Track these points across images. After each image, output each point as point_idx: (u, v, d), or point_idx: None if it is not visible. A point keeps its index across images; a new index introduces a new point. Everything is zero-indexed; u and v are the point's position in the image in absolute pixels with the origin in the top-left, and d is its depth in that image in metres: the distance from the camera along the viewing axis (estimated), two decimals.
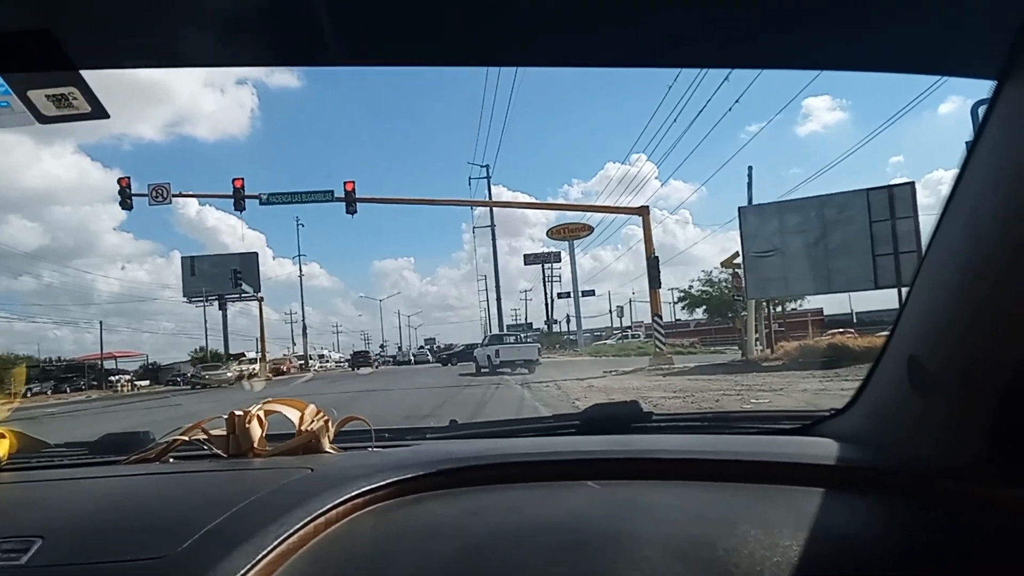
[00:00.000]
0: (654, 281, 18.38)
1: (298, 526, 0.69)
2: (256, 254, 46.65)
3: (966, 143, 0.67)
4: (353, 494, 0.77)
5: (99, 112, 0.73)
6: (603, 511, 0.72)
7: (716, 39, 0.62)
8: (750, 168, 17.62)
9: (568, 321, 54.79)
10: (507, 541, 0.67)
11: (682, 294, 27.72)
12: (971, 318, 0.66)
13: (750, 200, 16.68)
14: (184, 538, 0.65)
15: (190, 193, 20.76)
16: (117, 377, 34.84)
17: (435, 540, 0.69)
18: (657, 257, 18.47)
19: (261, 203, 18.54)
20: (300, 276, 51.21)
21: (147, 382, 34.78)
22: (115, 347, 40.58)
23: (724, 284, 25.18)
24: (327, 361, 53.26)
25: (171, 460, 1.10)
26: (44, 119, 0.74)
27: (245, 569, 0.62)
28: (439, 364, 30.22)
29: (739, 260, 15.53)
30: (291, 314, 52.58)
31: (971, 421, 0.68)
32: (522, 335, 25.08)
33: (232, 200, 18.47)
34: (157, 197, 18.08)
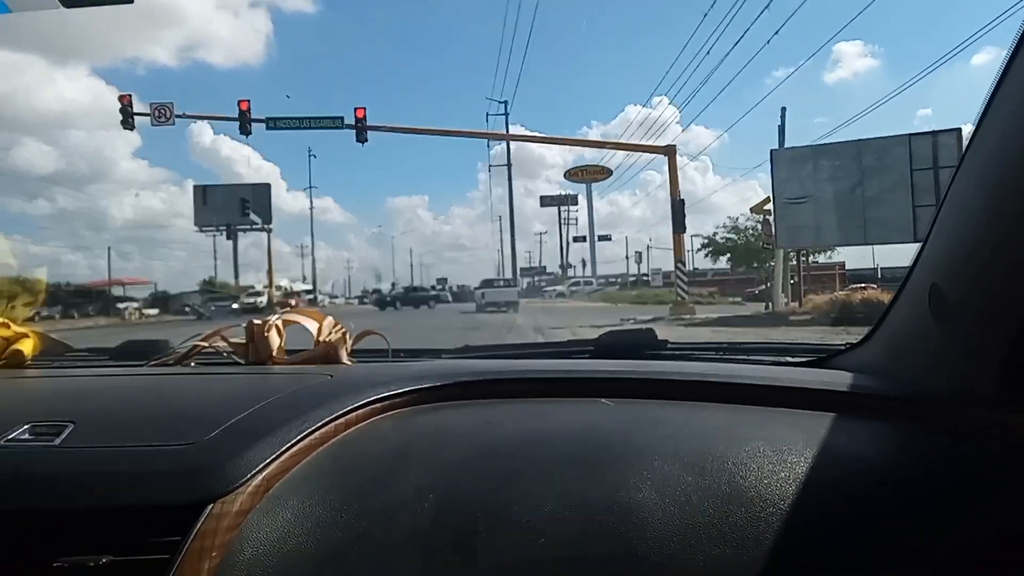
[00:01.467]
0: (678, 225, 18.13)
1: (319, 424, 0.74)
2: (268, 185, 47.18)
3: (1000, 67, 0.65)
4: (372, 399, 0.81)
5: None
6: (615, 425, 0.76)
7: None
8: (783, 109, 17.24)
9: (584, 265, 54.75)
10: (521, 447, 0.72)
11: (705, 241, 27.68)
12: (994, 247, 0.67)
13: (782, 143, 16.25)
14: (210, 429, 0.70)
15: (194, 114, 20.57)
16: (125, 304, 35.62)
17: (451, 444, 0.73)
18: (683, 200, 18.23)
19: (268, 127, 18.39)
20: (311, 208, 53.34)
21: (156, 311, 35.59)
22: (127, 274, 42.46)
23: (751, 232, 24.69)
24: (336, 297, 54.06)
25: (192, 365, 1.16)
26: (69, 2, 0.77)
27: (270, 459, 0.67)
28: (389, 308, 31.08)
29: (770, 206, 15.11)
30: (302, 247, 53.59)
31: (990, 350, 0.69)
32: (506, 280, 32.48)
33: (238, 124, 18.16)
34: (160, 117, 17.97)
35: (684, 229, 18.35)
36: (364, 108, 17.88)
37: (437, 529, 0.62)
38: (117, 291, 38.69)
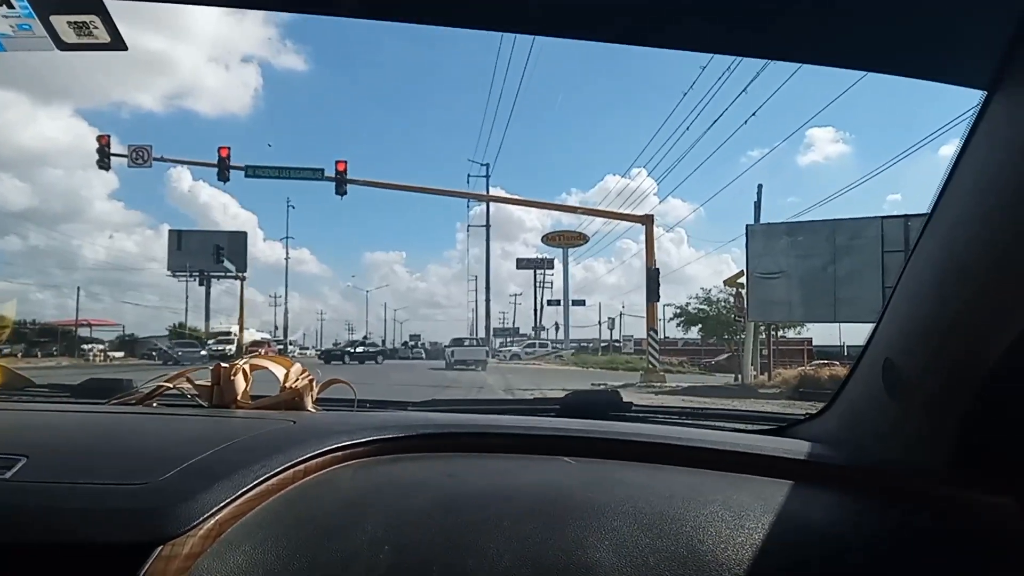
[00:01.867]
0: (652, 294, 18.46)
1: (278, 470, 0.74)
2: (245, 233, 48.32)
3: (951, 159, 0.72)
4: (333, 446, 0.82)
5: (118, 43, 0.77)
6: (576, 483, 0.77)
7: (718, 21, 0.68)
8: (759, 186, 17.85)
9: (557, 329, 55.38)
10: (481, 501, 0.72)
11: (678, 310, 28.22)
12: (947, 325, 0.71)
13: (757, 218, 16.76)
14: (166, 468, 0.70)
15: (172, 158, 20.66)
16: (91, 346, 35.08)
17: (411, 495, 0.73)
18: (658, 269, 18.61)
19: (247, 175, 18.52)
20: (287, 259, 53.24)
21: (121, 353, 35.14)
22: (97, 315, 41.70)
23: (723, 304, 25.28)
24: (306, 348, 54.45)
25: (154, 405, 1.16)
26: (64, 46, 0.78)
27: (224, 503, 0.67)
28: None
29: (743, 279, 15.55)
30: (275, 296, 54.03)
31: (942, 425, 0.73)
32: (476, 339, 34.01)
33: (216, 170, 18.25)
34: (137, 159, 18.02)
35: (658, 298, 18.70)
36: (345, 161, 18.09)
37: None
38: (84, 332, 38.10)
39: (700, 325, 27.44)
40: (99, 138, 18.11)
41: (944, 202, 0.71)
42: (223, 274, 39.60)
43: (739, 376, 16.97)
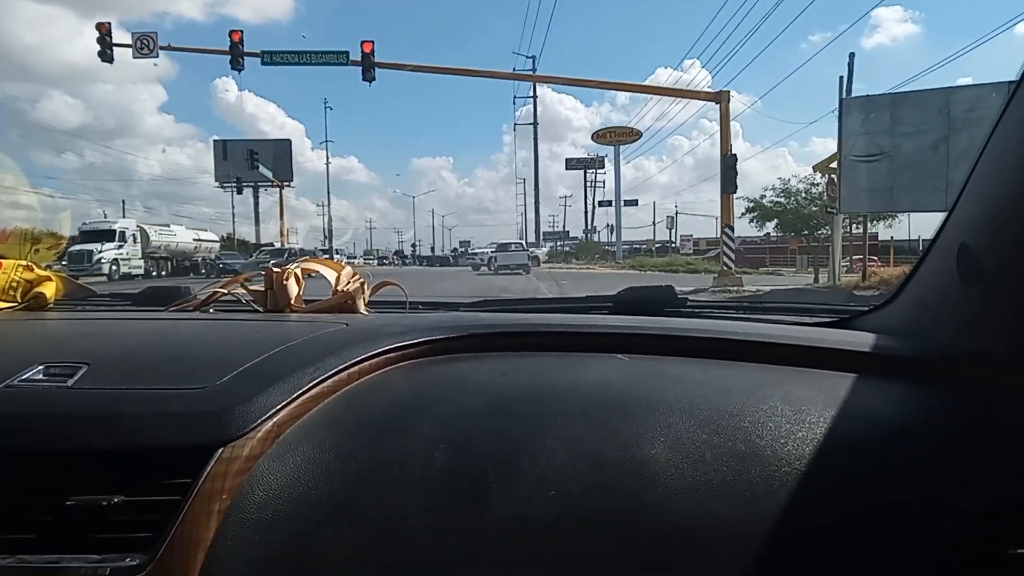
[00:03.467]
0: (729, 183, 17.64)
1: (332, 372, 0.80)
2: (289, 141, 50.59)
3: None
4: (386, 348, 0.88)
5: None
6: (631, 379, 0.82)
7: None
8: (852, 55, 16.53)
9: (609, 231, 55.40)
10: (535, 398, 0.77)
11: (751, 204, 26.78)
12: (1020, 215, 0.72)
13: (849, 92, 15.50)
14: (224, 372, 0.76)
15: (180, 47, 20.21)
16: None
17: (464, 394, 0.78)
18: (735, 155, 17.64)
19: (263, 62, 18.10)
20: (327, 163, 55.59)
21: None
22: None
23: (803, 195, 23.88)
24: (353, 257, 58.10)
25: (211, 311, 1.27)
26: None
27: (281, 405, 0.73)
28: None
29: (835, 164, 14.55)
30: (321, 204, 57.15)
31: (1015, 311, 0.75)
32: (519, 245, 36.96)
33: (229, 58, 17.71)
34: (142, 48, 17.68)
35: (735, 188, 17.88)
36: (372, 42, 17.42)
37: (447, 478, 0.66)
38: None
39: (776, 220, 25.89)
40: (99, 25, 17.67)
41: None
42: (262, 182, 41.19)
43: (820, 276, 16.17)
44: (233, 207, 47.92)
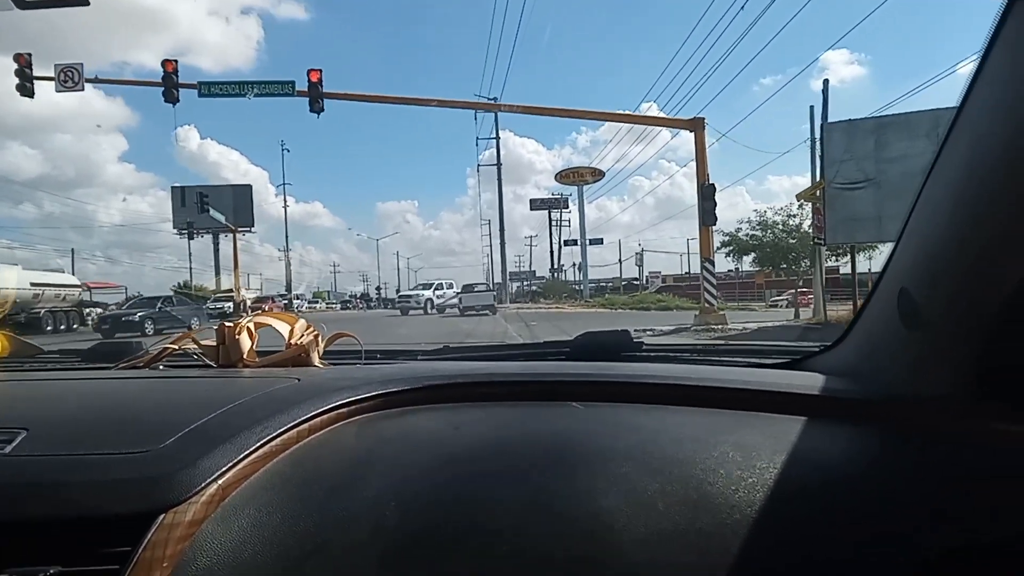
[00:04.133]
0: (708, 215, 16.83)
1: (282, 430, 0.81)
2: (250, 186, 51.94)
3: (969, 75, 0.73)
4: (337, 403, 0.89)
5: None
6: (584, 429, 0.84)
7: None
8: (826, 81, 16.92)
9: (576, 269, 56.61)
10: (488, 452, 0.79)
11: (727, 238, 26.62)
12: (963, 251, 0.75)
13: (825, 117, 14.97)
14: (168, 435, 0.77)
15: (107, 79, 18.84)
16: (89, 310, 35.27)
17: (417, 450, 0.80)
18: (713, 185, 16.85)
19: (200, 94, 16.93)
20: (285, 207, 57.05)
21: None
22: (117, 279, 42.46)
23: (779, 227, 23.19)
24: (315, 302, 59.27)
25: (160, 368, 1.30)
26: (24, 5, 0.78)
27: (227, 466, 0.74)
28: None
29: (819, 192, 13.70)
30: (283, 250, 58.30)
31: (959, 354, 0.78)
32: (484, 286, 37.54)
33: (163, 91, 16.36)
34: (66, 81, 16.54)
35: (714, 220, 17.02)
36: (319, 71, 16.30)
37: (399, 536, 0.67)
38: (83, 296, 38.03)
39: (754, 254, 25.09)
40: (17, 57, 16.15)
41: (960, 124, 0.75)
42: (220, 228, 41.19)
43: (801, 312, 15.19)
44: (190, 254, 46.90)
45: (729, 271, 31.45)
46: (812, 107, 16.04)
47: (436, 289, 38.58)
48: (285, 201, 57.49)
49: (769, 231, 24.94)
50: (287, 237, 53.77)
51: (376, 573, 0.65)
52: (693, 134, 17.58)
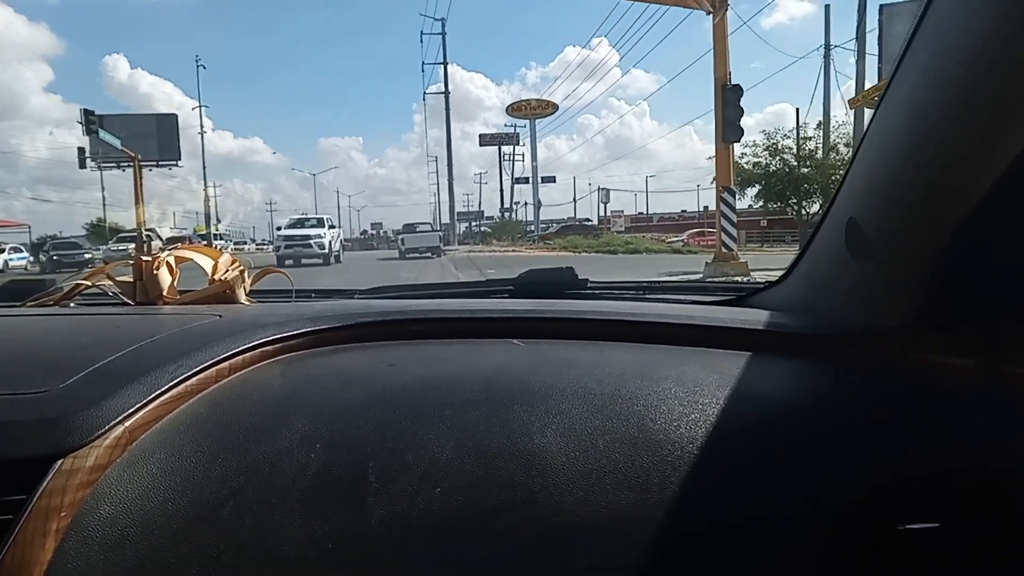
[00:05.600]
0: (730, 128, 13.27)
1: (197, 368, 0.80)
2: (175, 115, 47.66)
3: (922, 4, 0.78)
4: (261, 340, 0.89)
5: None
6: (524, 366, 0.86)
7: None
8: None
9: (526, 209, 55.34)
10: (423, 390, 0.80)
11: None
12: (911, 181, 0.79)
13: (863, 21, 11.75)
14: (71, 374, 0.76)
15: None
16: None
17: (346, 388, 0.80)
18: (739, 86, 12.79)
19: None
20: (201, 133, 54.37)
21: (26, 259, 36.13)
22: (44, 217, 38.74)
23: (792, 153, 19.39)
24: (244, 243, 58.59)
25: (72, 305, 1.32)
26: None
27: (134, 408, 0.72)
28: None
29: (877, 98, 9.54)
30: (215, 186, 56.37)
31: (906, 286, 0.83)
32: (427, 226, 36.96)
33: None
34: None
35: (740, 135, 12.89)
36: None
37: (323, 480, 0.67)
38: None
39: (760, 186, 21.17)
40: None
41: (917, 40, 0.77)
42: (156, 163, 39.95)
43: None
44: (103, 187, 41.92)
45: (766, 205, 27.02)
46: (828, 5, 12.25)
47: (407, 230, 36.50)
48: (202, 126, 52.54)
49: (778, 157, 20.99)
50: (204, 167, 49.23)
51: (298, 518, 0.64)
52: (711, 18, 13.32)
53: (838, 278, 0.94)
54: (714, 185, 14.84)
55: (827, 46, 13.17)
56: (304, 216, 32.38)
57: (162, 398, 0.75)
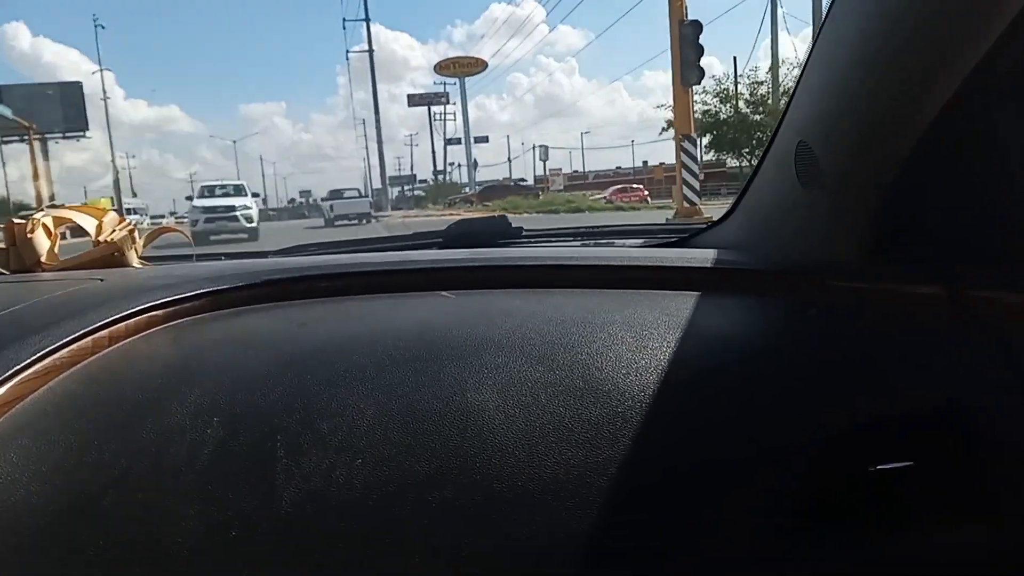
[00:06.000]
0: (689, 69, 11.98)
1: (68, 339, 0.71)
2: (80, 83, 44.70)
3: None
4: (148, 305, 0.80)
5: None
6: (455, 319, 0.80)
7: None
8: None
9: (460, 171, 53.40)
10: (339, 350, 0.73)
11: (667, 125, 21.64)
12: (863, 102, 0.77)
13: None
14: None
15: None
16: None
17: (249, 354, 0.73)
18: (698, 22, 11.47)
19: None
20: (105, 99, 50.62)
21: None
22: None
23: (747, 99, 18.28)
24: (161, 216, 54.67)
25: None
26: None
27: None
28: None
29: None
30: (129, 156, 50.42)
31: (857, 215, 0.82)
32: (354, 191, 35.87)
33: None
34: None
35: (698, 78, 11.66)
36: None
37: (222, 458, 0.61)
38: None
39: (712, 135, 20.16)
40: None
41: None
42: (62, 134, 38.61)
43: None
44: (3, 163, 38.71)
45: (718, 155, 25.93)
46: None
47: (333, 196, 36.21)
48: (104, 91, 49.43)
49: (729, 104, 20.07)
50: (111, 137, 46.26)
51: (195, 504, 0.59)
52: None
53: (787, 211, 0.92)
54: (655, 138, 14.03)
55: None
56: (218, 182, 26.42)
57: (22, 375, 0.66)
